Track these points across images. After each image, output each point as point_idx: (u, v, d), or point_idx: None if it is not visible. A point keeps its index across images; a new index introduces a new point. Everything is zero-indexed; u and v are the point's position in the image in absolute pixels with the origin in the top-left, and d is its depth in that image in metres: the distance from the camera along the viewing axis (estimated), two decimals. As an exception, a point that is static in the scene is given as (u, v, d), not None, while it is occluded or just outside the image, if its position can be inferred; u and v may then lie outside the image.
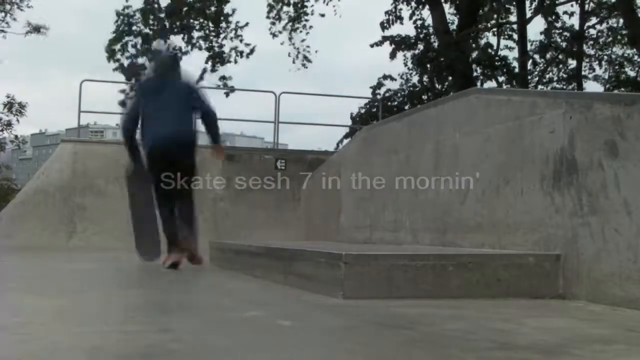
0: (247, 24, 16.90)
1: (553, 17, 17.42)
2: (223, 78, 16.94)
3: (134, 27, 16.27)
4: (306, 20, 17.09)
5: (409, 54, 17.06)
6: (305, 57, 17.36)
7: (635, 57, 18.14)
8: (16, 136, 24.08)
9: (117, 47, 16.25)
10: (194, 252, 5.31)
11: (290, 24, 17.13)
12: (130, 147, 5.38)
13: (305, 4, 16.97)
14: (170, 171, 5.10)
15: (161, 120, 5.08)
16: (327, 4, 17.04)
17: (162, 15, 16.28)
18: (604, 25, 18.57)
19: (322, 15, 17.15)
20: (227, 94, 15.75)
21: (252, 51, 16.97)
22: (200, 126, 5.28)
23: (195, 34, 16.79)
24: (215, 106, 5.19)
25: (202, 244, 6.61)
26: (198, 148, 5.45)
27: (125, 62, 16.35)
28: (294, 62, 17.32)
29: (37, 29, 21.74)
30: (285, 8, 17.03)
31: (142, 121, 5.23)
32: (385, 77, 16.96)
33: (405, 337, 2.30)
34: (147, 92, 5.32)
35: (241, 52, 16.92)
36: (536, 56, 18.77)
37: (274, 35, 17.15)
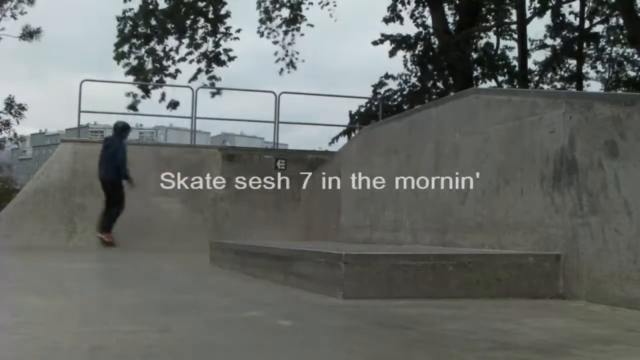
0: (239, 30, 16.94)
1: (559, 18, 17.40)
2: (212, 78, 16.97)
3: (139, 29, 16.29)
4: (300, 23, 17.08)
5: (408, 55, 17.06)
6: (291, 62, 17.37)
7: (635, 57, 18.13)
8: (15, 134, 24.09)
9: (125, 49, 16.29)
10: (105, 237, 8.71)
11: (285, 25, 17.13)
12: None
13: (301, 6, 16.97)
14: (105, 189, 8.88)
15: (103, 162, 8.96)
16: (322, 8, 17.02)
17: (161, 17, 16.29)
18: (604, 25, 18.58)
19: (312, 26, 17.17)
20: (212, 95, 15.76)
21: (231, 59, 17.01)
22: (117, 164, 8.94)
23: (186, 37, 16.79)
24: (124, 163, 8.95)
25: (203, 244, 6.63)
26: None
27: (134, 63, 16.40)
28: (277, 61, 17.34)
29: (30, 34, 21.71)
30: (278, 11, 17.05)
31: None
32: (387, 76, 16.95)
33: (405, 337, 2.30)
34: (104, 145, 9.28)
35: (229, 56, 16.95)
36: (537, 53, 18.79)
37: (261, 34, 17.17)
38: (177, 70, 16.62)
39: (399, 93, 16.93)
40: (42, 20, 24.92)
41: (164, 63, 16.57)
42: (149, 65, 16.48)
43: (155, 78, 16.62)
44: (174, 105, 15.85)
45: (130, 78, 16.32)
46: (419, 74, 16.86)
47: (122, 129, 9.33)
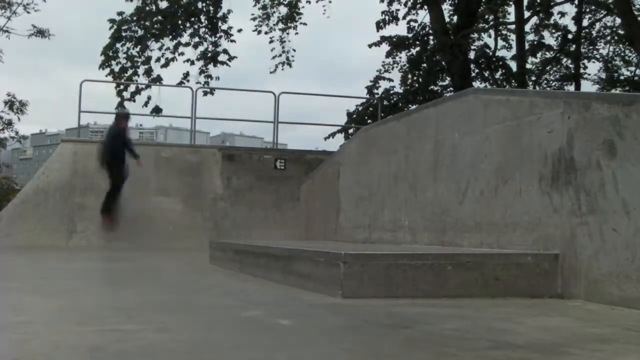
0: (240, 30, 16.90)
1: (546, 14, 17.38)
2: (208, 77, 16.93)
3: (125, 33, 16.16)
4: (297, 21, 17.04)
5: (404, 56, 17.04)
6: (287, 60, 17.30)
7: (633, 57, 18.12)
8: (16, 132, 24.03)
9: (110, 53, 16.21)
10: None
11: (282, 22, 17.09)
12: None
13: (298, 3, 16.92)
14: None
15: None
16: (317, 2, 16.96)
17: (160, 17, 16.23)
18: (599, 25, 18.58)
19: (304, 24, 17.16)
20: (205, 93, 15.66)
21: (231, 58, 16.95)
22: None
23: (185, 36, 16.72)
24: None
25: (202, 244, 6.65)
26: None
27: (116, 68, 16.28)
28: (273, 57, 17.28)
29: (41, 32, 21.65)
30: (276, 8, 17.01)
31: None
32: (378, 78, 16.95)
33: (405, 336, 2.31)
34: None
35: (230, 55, 16.90)
36: (531, 54, 18.76)
37: (259, 32, 17.13)
38: (159, 76, 16.40)
39: (393, 92, 16.93)
40: (46, 15, 24.75)
41: (152, 65, 16.46)
42: (140, 69, 16.37)
43: (137, 79, 16.48)
44: (157, 110, 15.76)
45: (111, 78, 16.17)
46: (417, 74, 16.86)
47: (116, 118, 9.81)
